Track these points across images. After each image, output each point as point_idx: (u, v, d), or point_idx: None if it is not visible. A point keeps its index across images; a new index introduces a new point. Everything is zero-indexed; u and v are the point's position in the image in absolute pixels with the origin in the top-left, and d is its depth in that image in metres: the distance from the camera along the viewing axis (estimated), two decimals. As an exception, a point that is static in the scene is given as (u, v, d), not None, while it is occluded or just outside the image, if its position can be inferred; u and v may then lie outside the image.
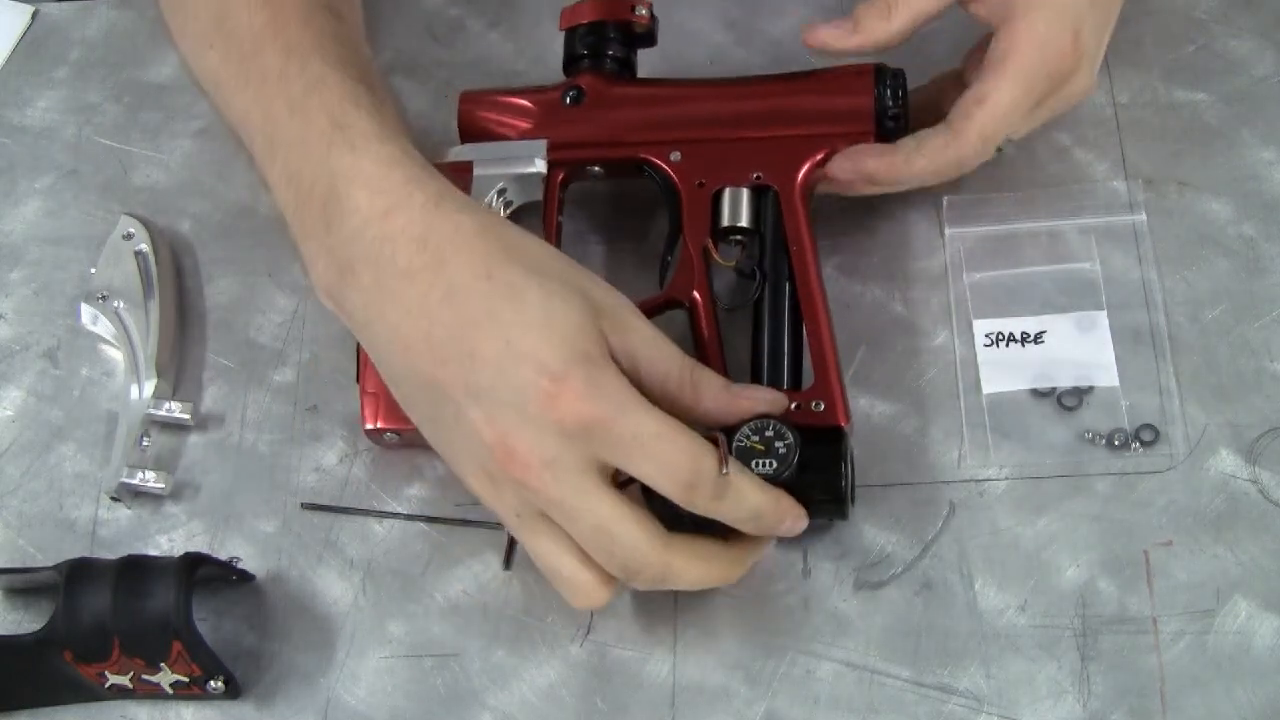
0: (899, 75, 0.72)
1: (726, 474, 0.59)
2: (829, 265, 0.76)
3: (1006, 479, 0.70)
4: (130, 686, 0.69)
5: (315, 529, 0.74)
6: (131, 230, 0.81)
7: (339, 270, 0.62)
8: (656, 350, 0.61)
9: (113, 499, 0.76)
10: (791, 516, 0.63)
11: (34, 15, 0.93)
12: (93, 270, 0.81)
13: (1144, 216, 0.75)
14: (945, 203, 0.76)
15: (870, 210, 0.77)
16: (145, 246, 0.81)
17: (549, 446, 0.58)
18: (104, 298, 0.79)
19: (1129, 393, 0.71)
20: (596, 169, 0.74)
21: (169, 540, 0.75)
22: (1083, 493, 0.69)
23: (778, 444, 0.63)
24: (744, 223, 0.70)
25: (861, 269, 0.76)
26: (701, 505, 0.59)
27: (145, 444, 0.77)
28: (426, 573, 0.72)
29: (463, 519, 0.73)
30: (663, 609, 0.70)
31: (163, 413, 0.77)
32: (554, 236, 0.72)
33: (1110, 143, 0.77)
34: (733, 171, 0.71)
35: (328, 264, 0.62)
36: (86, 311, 0.80)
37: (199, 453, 0.77)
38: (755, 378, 0.68)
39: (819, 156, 0.71)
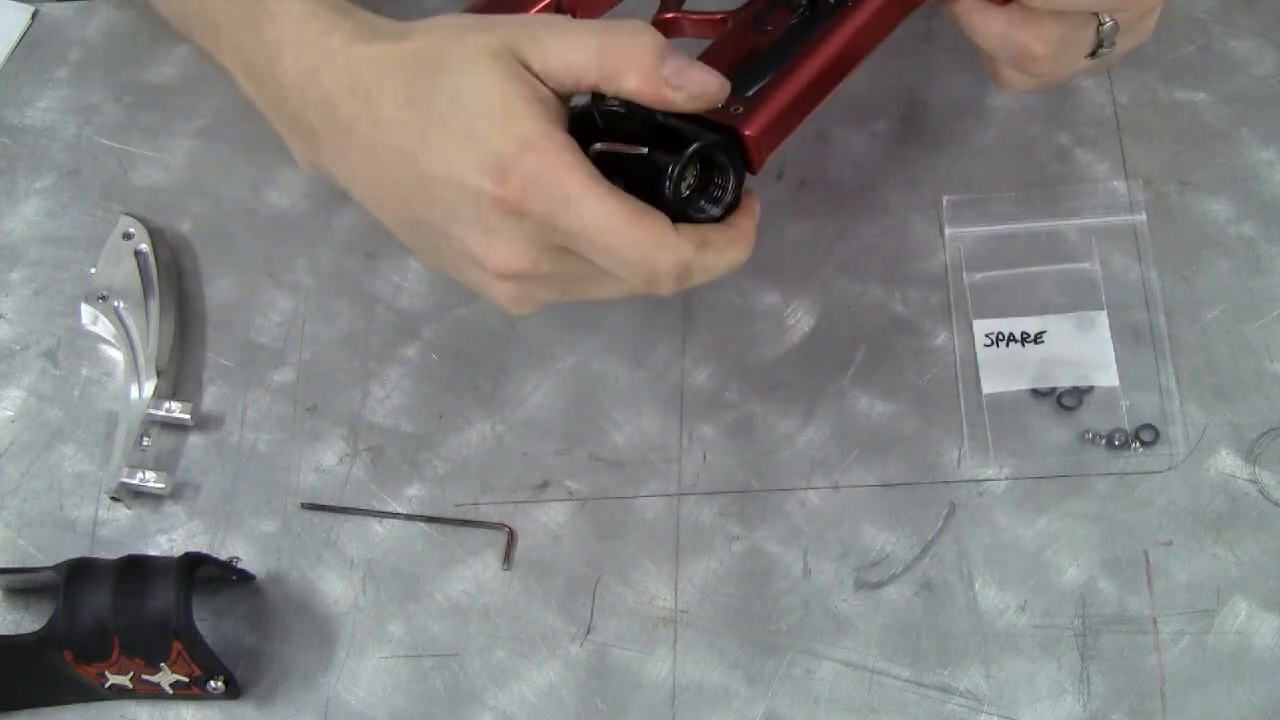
0: None
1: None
2: (829, 265, 0.76)
3: (1006, 479, 0.70)
4: (130, 686, 0.69)
5: (315, 529, 0.74)
6: (131, 230, 0.81)
7: (306, 140, 0.62)
8: (567, 41, 0.56)
9: (113, 499, 0.76)
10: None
11: (34, 15, 0.93)
12: (93, 270, 0.81)
13: (1144, 216, 0.75)
14: (945, 203, 0.76)
15: (870, 210, 0.77)
16: (145, 246, 0.81)
17: (525, 248, 0.56)
18: (104, 298, 0.79)
19: (1129, 393, 0.71)
20: None
21: (169, 540, 0.75)
22: (1083, 493, 0.69)
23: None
24: None
25: (861, 269, 0.76)
26: (669, 291, 0.57)
27: (145, 444, 0.77)
28: (426, 573, 0.72)
29: (463, 519, 0.73)
30: (664, 608, 0.70)
31: (163, 413, 0.77)
32: None
33: (1110, 143, 0.77)
34: None
35: (295, 138, 0.62)
36: (86, 311, 0.80)
37: (199, 453, 0.77)
38: (730, 74, 0.62)
39: None
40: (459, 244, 0.58)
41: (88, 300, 0.80)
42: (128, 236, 0.81)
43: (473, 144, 0.55)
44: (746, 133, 0.59)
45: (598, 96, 0.56)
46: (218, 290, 0.82)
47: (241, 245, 0.83)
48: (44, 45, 0.92)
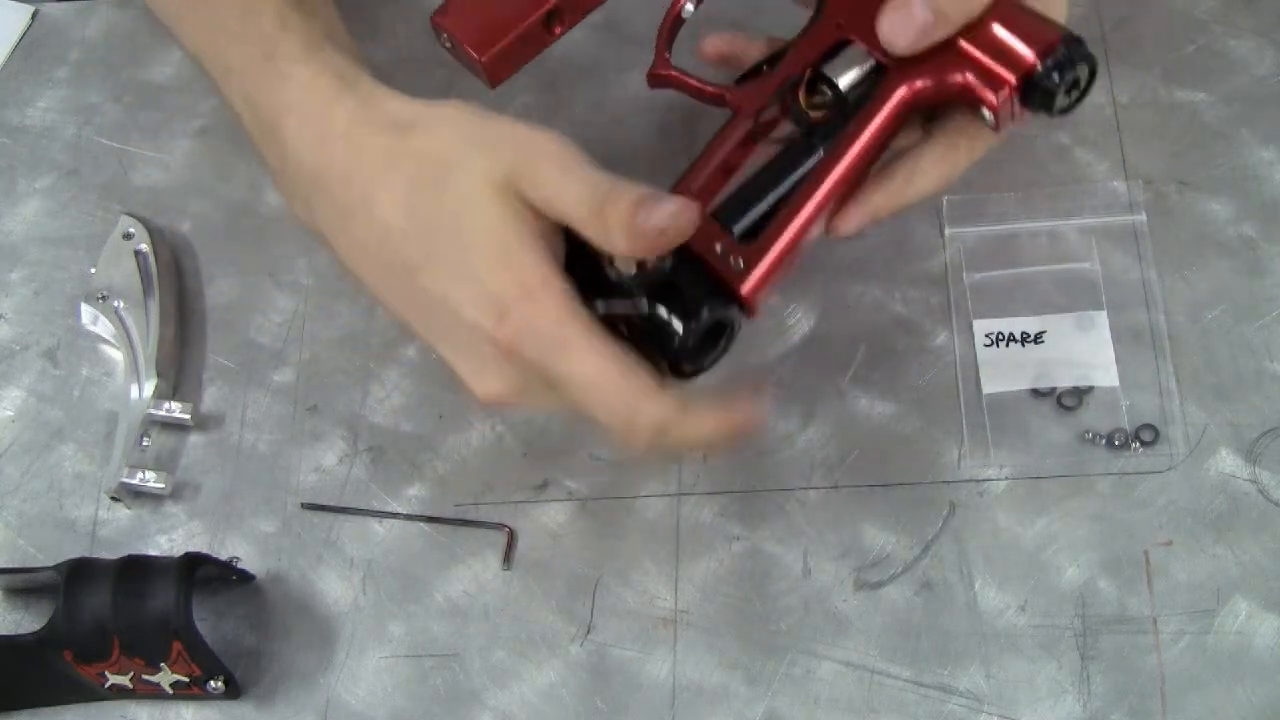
0: (1086, 60, 0.61)
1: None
2: (829, 265, 0.76)
3: (1006, 479, 0.70)
4: (130, 686, 0.69)
5: (315, 529, 0.74)
6: (131, 230, 0.81)
7: (301, 202, 0.62)
8: (566, 191, 0.56)
9: (113, 499, 0.76)
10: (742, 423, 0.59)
11: (34, 15, 0.93)
12: (93, 270, 0.81)
13: (1144, 216, 0.75)
14: (945, 203, 0.76)
15: (870, 210, 0.78)
16: (145, 246, 0.81)
17: (511, 383, 0.58)
18: (104, 298, 0.79)
19: (1129, 393, 0.71)
20: None
21: (169, 540, 0.75)
22: (1083, 493, 0.69)
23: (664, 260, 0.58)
24: (841, 83, 0.63)
25: (861, 269, 0.76)
26: (643, 447, 0.58)
27: (145, 444, 0.77)
28: (426, 573, 0.72)
29: (463, 519, 0.73)
30: (664, 608, 0.70)
31: (163, 413, 0.77)
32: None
33: (1110, 143, 0.77)
34: (870, 35, 0.63)
35: (290, 193, 0.63)
36: (86, 311, 0.80)
37: (199, 453, 0.77)
38: (717, 208, 0.62)
39: (953, 77, 0.61)
40: (449, 362, 0.59)
41: (88, 300, 0.80)
42: (128, 236, 0.81)
43: (472, 281, 0.56)
44: (745, 291, 0.60)
45: (607, 258, 0.57)
46: (218, 290, 0.82)
47: (241, 245, 0.83)
48: (44, 45, 0.92)
